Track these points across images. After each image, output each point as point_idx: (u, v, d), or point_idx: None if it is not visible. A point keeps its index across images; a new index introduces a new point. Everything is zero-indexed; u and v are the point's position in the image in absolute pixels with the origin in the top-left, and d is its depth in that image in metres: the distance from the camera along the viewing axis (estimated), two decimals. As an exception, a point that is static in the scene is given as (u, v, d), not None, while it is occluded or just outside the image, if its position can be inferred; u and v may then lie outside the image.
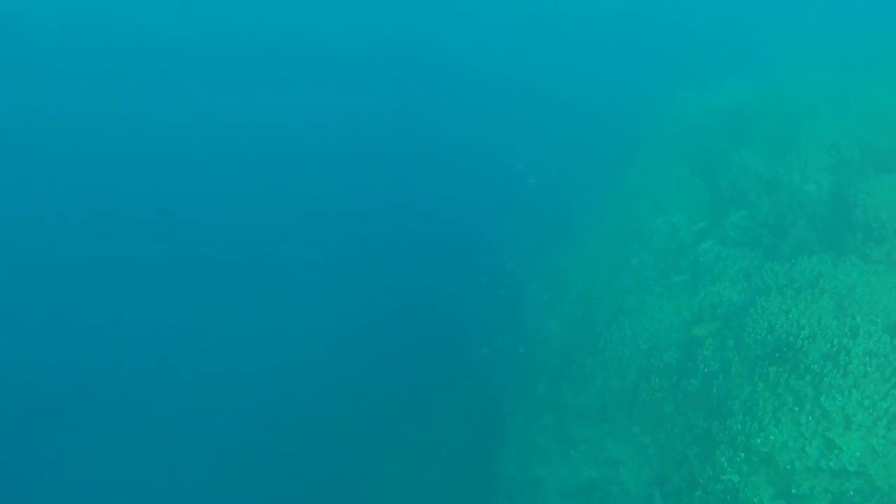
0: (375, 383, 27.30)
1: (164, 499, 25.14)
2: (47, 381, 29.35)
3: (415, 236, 33.91)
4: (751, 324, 12.34)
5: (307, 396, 27.36)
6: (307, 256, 33.65)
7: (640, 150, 24.84)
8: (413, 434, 25.40)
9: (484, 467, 19.78)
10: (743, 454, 11.53)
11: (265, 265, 34.17)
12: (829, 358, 11.06)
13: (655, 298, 15.36)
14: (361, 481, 24.40)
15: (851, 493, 10.50)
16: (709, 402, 12.78)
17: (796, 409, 11.27)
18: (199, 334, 30.24)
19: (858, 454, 10.75)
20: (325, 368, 28.39)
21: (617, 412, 14.38)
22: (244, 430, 27.07)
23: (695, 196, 18.21)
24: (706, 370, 13.01)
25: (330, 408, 26.93)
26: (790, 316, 11.90)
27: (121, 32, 48.62)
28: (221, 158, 39.48)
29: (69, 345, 30.07)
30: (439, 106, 42.63)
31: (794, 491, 10.79)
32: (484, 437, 21.82)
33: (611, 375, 14.33)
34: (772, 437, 11.30)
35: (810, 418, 11.05)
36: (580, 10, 49.33)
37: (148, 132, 40.35)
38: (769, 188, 16.60)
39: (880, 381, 10.67)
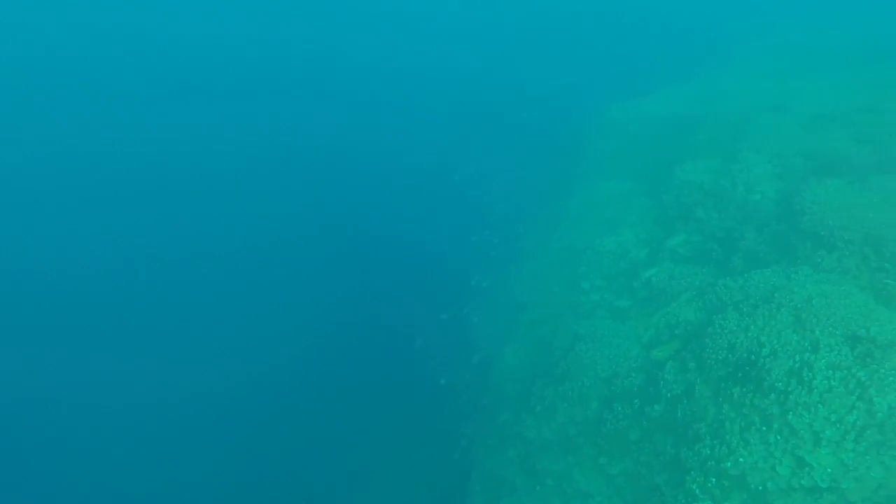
0: (330, 418, 26.73)
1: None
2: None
3: (363, 264, 33.54)
4: (711, 344, 12.36)
5: (262, 431, 26.70)
6: (258, 286, 33.07)
7: (581, 165, 25.07)
8: (372, 471, 24.86)
9: (449, 504, 19.43)
10: (714, 479, 11.48)
11: (217, 296, 33.38)
12: (792, 374, 11.11)
13: (611, 322, 15.34)
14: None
15: (826, 510, 10.54)
16: (675, 427, 12.73)
17: (764, 428, 11.28)
18: (148, 366, 29.39)
19: (830, 470, 10.78)
20: (276, 405, 27.74)
21: (582, 443, 14.24)
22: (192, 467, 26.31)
23: (641, 213, 18.34)
24: (669, 394, 12.97)
25: (285, 446, 26.31)
26: (749, 333, 11.95)
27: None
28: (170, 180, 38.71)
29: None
30: (381, 129, 42.57)
31: (768, 513, 10.79)
32: (447, 473, 21.43)
33: (573, 406, 14.19)
34: (742, 460, 11.28)
35: (779, 437, 11.06)
36: (514, 25, 49.96)
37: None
38: (715, 201, 16.80)
39: (845, 394, 10.74)
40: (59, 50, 49.83)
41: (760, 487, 11.10)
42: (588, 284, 17.62)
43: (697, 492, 11.41)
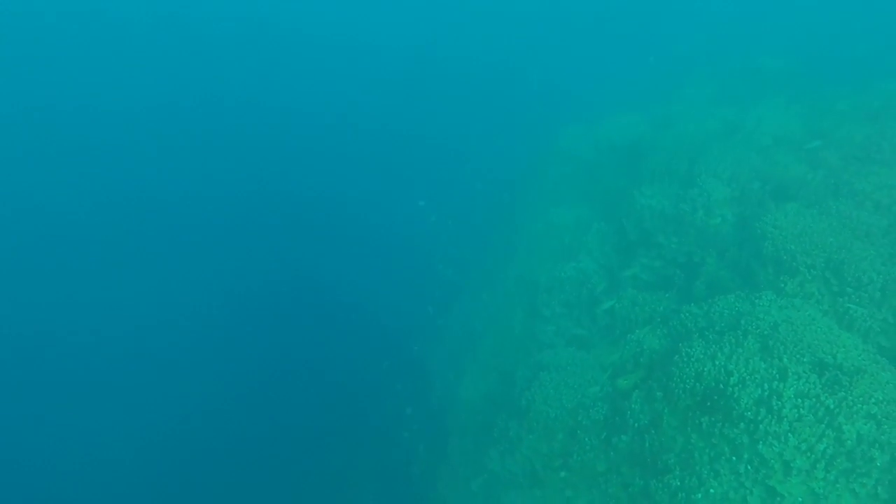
0: (287, 456, 26.39)
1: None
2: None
3: (314, 297, 33.26)
4: (677, 373, 12.30)
5: (220, 465, 26.18)
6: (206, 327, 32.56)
7: (534, 193, 25.14)
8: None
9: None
10: (685, 512, 11.36)
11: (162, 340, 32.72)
12: (761, 403, 11.09)
13: (574, 351, 15.23)
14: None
15: (798, 541, 10.50)
16: (643, 458, 12.63)
17: (734, 458, 11.23)
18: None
19: (801, 499, 10.76)
20: (232, 439, 27.28)
21: (548, 476, 14.03)
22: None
23: (600, 239, 18.34)
24: (636, 425, 12.87)
25: (242, 478, 25.88)
26: (717, 362, 11.92)
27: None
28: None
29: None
30: (332, 168, 42.39)
31: (741, 546, 10.70)
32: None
33: (538, 439, 13.99)
34: (712, 491, 11.20)
35: (749, 467, 11.01)
36: (454, 53, 50.38)
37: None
38: (675, 226, 16.90)
39: (814, 422, 10.75)
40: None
41: (732, 519, 11.00)
42: (549, 312, 17.51)
43: (668, 525, 11.29)
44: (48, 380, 30.49)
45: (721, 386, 11.70)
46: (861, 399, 10.85)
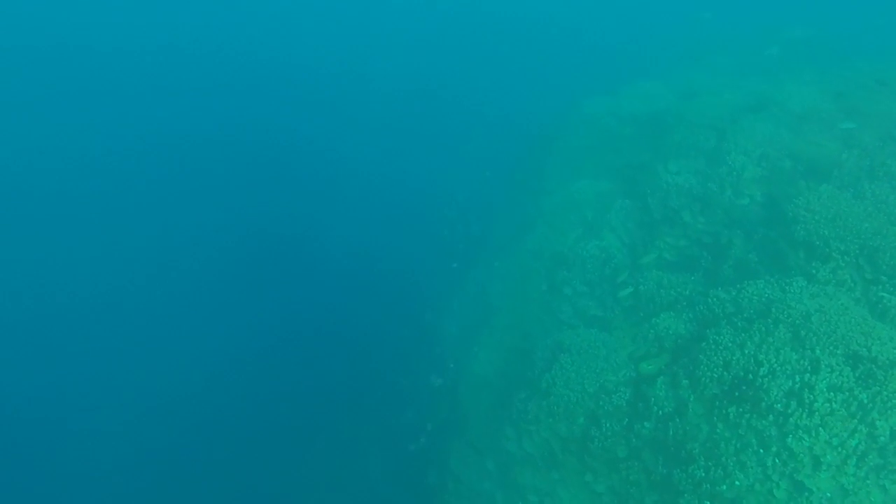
0: (296, 433, 26.42)
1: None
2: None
3: (331, 264, 33.11)
4: (704, 360, 12.16)
5: (225, 432, 26.40)
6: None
7: (554, 162, 24.73)
8: (341, 483, 24.63)
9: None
10: (708, 502, 11.32)
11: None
12: (792, 396, 10.96)
13: (596, 332, 15.07)
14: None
15: (825, 537, 10.46)
16: (666, 446, 12.55)
17: (761, 451, 11.15)
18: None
19: (829, 494, 10.70)
20: (236, 406, 27.40)
21: (567, 459, 14.00)
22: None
23: (624, 216, 18.09)
24: (660, 412, 12.78)
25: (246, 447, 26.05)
26: (746, 351, 11.77)
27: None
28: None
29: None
30: (350, 126, 42.05)
31: (766, 540, 10.67)
32: (422, 485, 21.20)
33: (558, 421, 13.92)
34: (737, 483, 11.13)
35: (777, 461, 10.94)
36: (481, 22, 49.66)
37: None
38: (702, 205, 16.64)
39: (847, 417, 10.64)
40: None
41: (756, 511, 10.95)
42: (570, 290, 17.32)
43: (692, 515, 11.25)
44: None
45: (750, 376, 11.57)
46: (896, 394, 10.71)
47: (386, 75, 46.61)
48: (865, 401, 10.70)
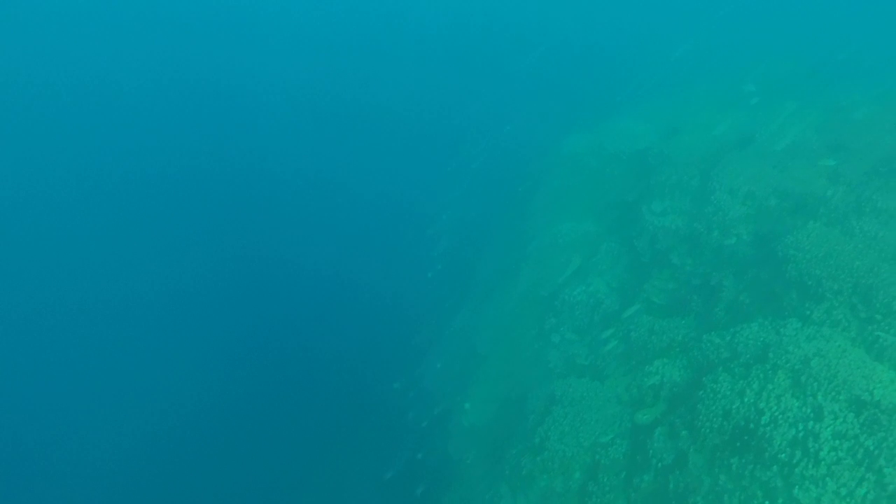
0: (273, 478, 26.09)
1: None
2: None
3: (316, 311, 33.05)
4: (703, 410, 11.97)
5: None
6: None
7: (540, 203, 24.70)
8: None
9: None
10: (715, 559, 11.04)
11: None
12: (796, 445, 10.78)
13: (588, 382, 14.85)
14: None
15: (838, 589, 10.21)
16: (667, 500, 12.26)
17: (767, 503, 10.89)
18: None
19: (838, 546, 10.44)
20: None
21: (564, 516, 13.64)
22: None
23: (611, 259, 18.01)
24: (659, 464, 12.54)
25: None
26: (746, 399, 11.60)
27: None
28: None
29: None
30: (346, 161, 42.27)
31: None
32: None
33: (553, 477, 13.64)
34: (744, 537, 10.86)
35: (784, 513, 10.68)
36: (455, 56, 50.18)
37: None
38: (689, 246, 16.56)
39: (854, 465, 10.45)
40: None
41: (765, 567, 10.69)
42: (558, 338, 17.14)
43: (699, 575, 10.96)
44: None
45: (752, 425, 11.38)
46: (902, 440, 10.54)
47: (361, 111, 46.85)
48: (872, 448, 10.52)
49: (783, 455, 10.82)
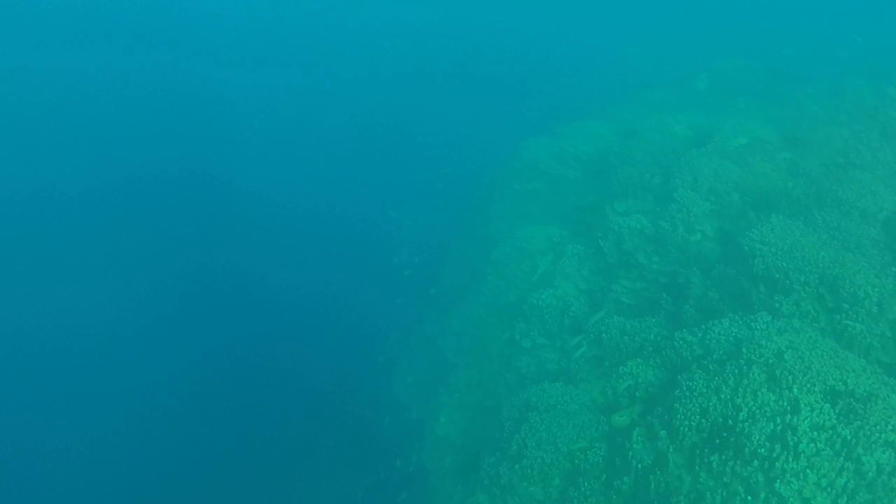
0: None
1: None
2: None
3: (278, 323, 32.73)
4: (680, 409, 12.03)
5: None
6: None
7: (502, 209, 24.67)
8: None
9: None
10: (700, 558, 11.07)
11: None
12: (775, 439, 10.87)
13: (562, 387, 14.82)
14: None
15: (820, 578, 10.32)
16: (648, 501, 12.28)
17: (749, 498, 10.96)
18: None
19: (822, 538, 10.54)
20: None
21: (545, 524, 13.58)
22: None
23: (577, 262, 18.05)
24: (639, 466, 12.56)
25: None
26: (722, 396, 11.68)
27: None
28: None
29: None
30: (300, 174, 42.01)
31: (762, 590, 10.47)
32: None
33: (532, 484, 13.57)
34: (728, 534, 10.91)
35: (766, 507, 10.75)
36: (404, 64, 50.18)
37: None
38: (655, 245, 16.70)
39: (833, 456, 10.58)
40: None
41: (749, 561, 10.75)
42: (529, 343, 17.13)
43: (685, 575, 10.99)
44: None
45: (730, 422, 11.46)
46: (878, 427, 10.73)
47: (313, 120, 46.68)
48: (849, 437, 10.67)
49: (763, 450, 10.90)
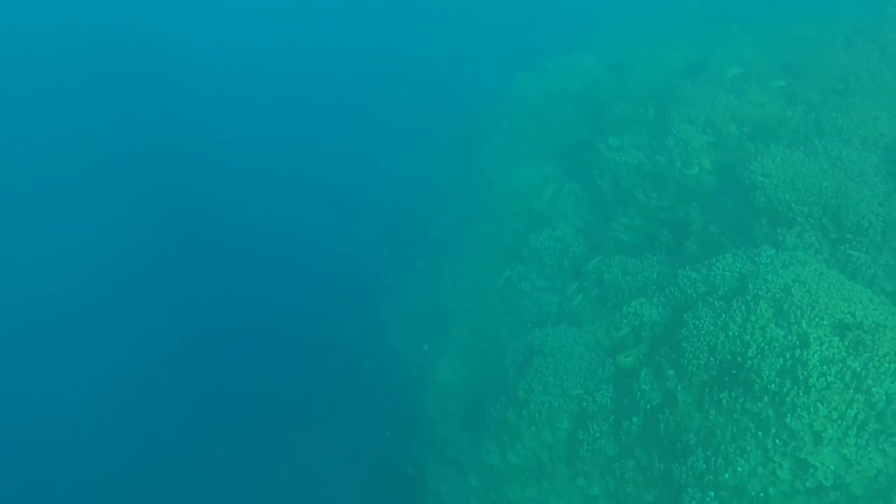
0: (248, 451, 25.93)
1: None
2: None
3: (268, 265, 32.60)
4: (688, 348, 12.13)
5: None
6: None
7: (491, 151, 24.47)
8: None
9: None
10: (713, 492, 11.28)
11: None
12: (785, 374, 10.99)
13: (565, 329, 14.89)
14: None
15: (832, 506, 10.55)
16: (659, 441, 12.48)
17: (760, 434, 11.15)
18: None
19: (833, 468, 10.76)
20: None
21: (556, 466, 13.83)
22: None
23: (573, 201, 17.98)
24: (648, 406, 12.72)
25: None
26: (730, 333, 11.76)
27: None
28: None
29: None
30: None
31: (772, 520, 10.71)
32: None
33: (542, 429, 13.73)
34: (739, 469, 11.10)
35: (777, 441, 10.96)
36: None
37: None
38: (653, 181, 16.61)
39: (843, 388, 10.72)
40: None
41: (762, 494, 10.99)
42: (528, 286, 17.15)
43: (696, 509, 11.22)
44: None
45: (739, 359, 11.57)
46: (887, 358, 10.85)
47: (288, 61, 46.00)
48: (859, 369, 10.80)
49: (773, 386, 11.03)
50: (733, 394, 11.47)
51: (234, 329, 30.36)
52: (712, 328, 12.09)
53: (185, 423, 26.84)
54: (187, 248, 34.19)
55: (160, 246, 34.42)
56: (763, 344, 11.38)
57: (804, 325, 11.35)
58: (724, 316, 12.16)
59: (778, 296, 11.93)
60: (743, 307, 12.08)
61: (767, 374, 11.11)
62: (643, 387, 12.84)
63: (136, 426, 26.71)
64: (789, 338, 11.34)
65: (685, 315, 12.86)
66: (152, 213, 36.55)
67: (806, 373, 10.80)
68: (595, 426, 13.23)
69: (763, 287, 12.15)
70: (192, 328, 30.64)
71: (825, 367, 10.84)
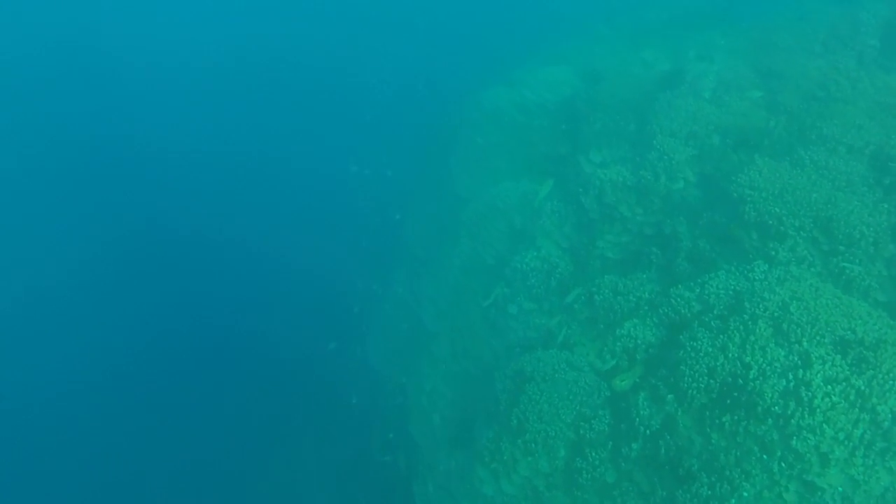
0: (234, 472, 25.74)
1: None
2: None
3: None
4: (687, 371, 12.05)
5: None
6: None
7: (466, 167, 24.35)
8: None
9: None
10: (718, 519, 11.21)
11: None
12: (789, 395, 10.96)
13: (557, 353, 14.79)
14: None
15: (839, 528, 10.54)
16: (659, 466, 12.39)
17: (765, 457, 11.11)
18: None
19: (841, 489, 10.74)
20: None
21: (554, 495, 13.67)
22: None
23: (558, 218, 17.88)
24: (647, 431, 12.63)
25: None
26: (729, 354, 11.73)
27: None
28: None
29: None
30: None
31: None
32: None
33: (538, 459, 13.58)
34: (745, 494, 11.05)
35: (783, 464, 10.93)
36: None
37: None
38: (638, 196, 16.57)
39: (848, 408, 10.73)
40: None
41: (768, 518, 10.92)
42: (515, 309, 17.03)
43: (703, 537, 11.14)
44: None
45: (740, 381, 11.53)
46: (890, 375, 10.87)
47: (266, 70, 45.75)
48: (863, 387, 10.82)
49: (776, 408, 11.00)
50: (736, 417, 11.43)
51: (208, 345, 30.14)
52: (710, 350, 12.04)
53: (161, 439, 26.63)
54: (157, 261, 33.95)
55: (126, 262, 34.16)
56: (764, 365, 11.36)
57: (805, 343, 11.35)
58: (721, 336, 12.12)
59: (776, 314, 11.92)
60: (741, 327, 12.05)
61: (770, 395, 11.08)
62: (641, 411, 12.76)
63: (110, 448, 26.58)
64: (791, 357, 11.33)
65: (681, 336, 12.81)
66: (102, 234, 36.18)
67: (810, 393, 10.79)
68: (594, 453, 13.12)
69: (760, 305, 12.14)
70: (168, 343, 30.41)
71: (829, 387, 10.84)
